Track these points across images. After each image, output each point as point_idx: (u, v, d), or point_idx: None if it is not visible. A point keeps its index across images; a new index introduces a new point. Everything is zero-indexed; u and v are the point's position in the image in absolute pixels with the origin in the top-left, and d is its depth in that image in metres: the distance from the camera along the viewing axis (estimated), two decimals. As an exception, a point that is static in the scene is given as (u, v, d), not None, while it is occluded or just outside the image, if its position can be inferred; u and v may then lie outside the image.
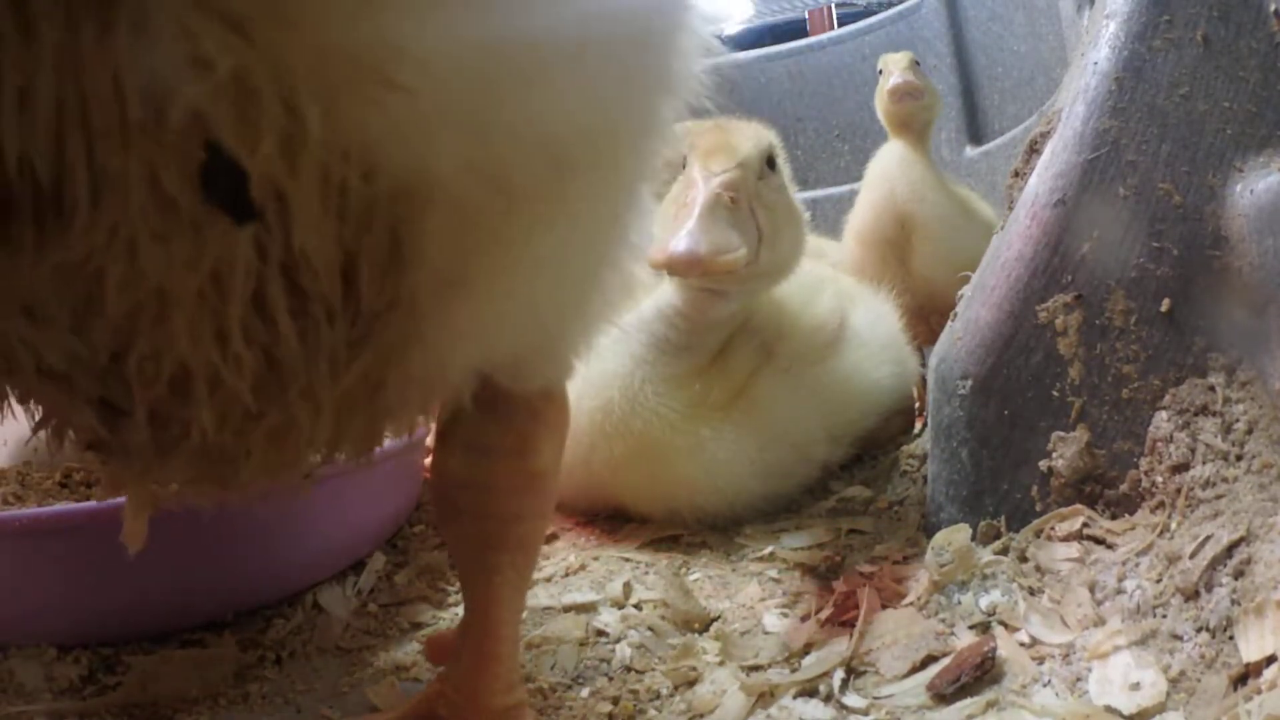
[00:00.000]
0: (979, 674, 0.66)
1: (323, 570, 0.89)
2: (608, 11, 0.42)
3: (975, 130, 2.18)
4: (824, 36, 2.69)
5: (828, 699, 0.68)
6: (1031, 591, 0.75)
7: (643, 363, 1.01)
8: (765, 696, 0.69)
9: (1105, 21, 0.84)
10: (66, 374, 0.38)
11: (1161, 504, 0.75)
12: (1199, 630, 0.63)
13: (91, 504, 0.77)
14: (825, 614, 0.79)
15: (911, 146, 1.51)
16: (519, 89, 0.38)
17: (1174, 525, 0.72)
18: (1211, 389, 0.76)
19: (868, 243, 1.53)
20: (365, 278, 0.39)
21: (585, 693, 0.72)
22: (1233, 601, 0.62)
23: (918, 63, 1.56)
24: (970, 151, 2.14)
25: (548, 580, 0.94)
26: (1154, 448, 0.77)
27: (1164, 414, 0.77)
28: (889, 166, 1.51)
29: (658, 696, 0.71)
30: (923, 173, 1.49)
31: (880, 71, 1.58)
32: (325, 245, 0.37)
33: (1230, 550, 0.65)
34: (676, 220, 0.91)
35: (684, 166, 0.99)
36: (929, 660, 0.70)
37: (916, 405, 1.37)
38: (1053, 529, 0.80)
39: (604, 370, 1.01)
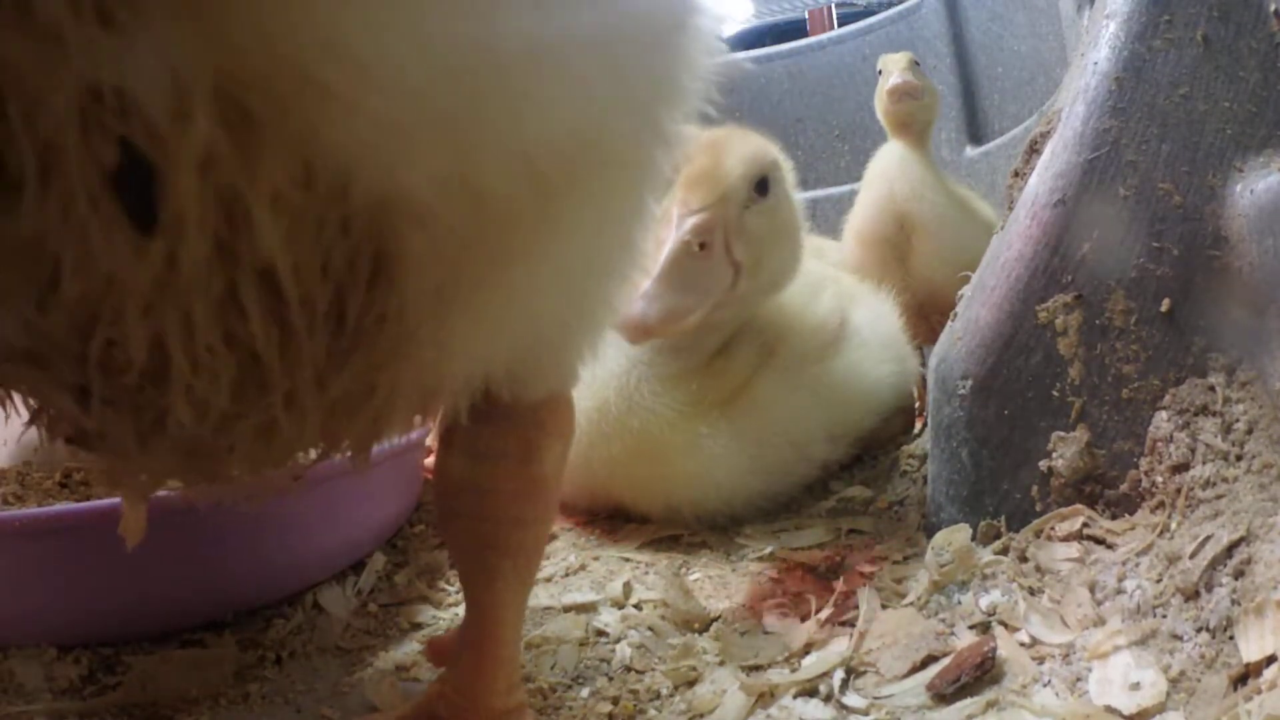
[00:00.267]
0: (979, 674, 0.66)
1: (322, 570, 0.89)
2: (601, 11, 0.41)
3: (975, 130, 2.17)
4: (824, 36, 2.69)
5: (828, 699, 0.68)
6: (1031, 591, 0.75)
7: (639, 362, 1.01)
8: (765, 696, 0.69)
9: (1105, 21, 0.84)
10: (42, 357, 0.38)
11: (1161, 504, 0.75)
12: (1199, 630, 0.63)
13: (91, 504, 0.77)
14: (825, 614, 0.79)
15: (911, 147, 1.51)
16: (501, 98, 0.37)
17: (1174, 525, 0.72)
18: (1211, 389, 0.76)
19: (867, 242, 1.53)
20: (350, 292, 0.38)
21: (585, 693, 0.72)
22: (1233, 601, 0.62)
23: (917, 63, 1.56)
24: (970, 151, 2.14)
25: (548, 580, 0.94)
26: (1154, 448, 0.77)
27: (1164, 414, 0.77)
28: (888, 166, 1.51)
29: (658, 696, 0.71)
30: (922, 173, 1.49)
31: (880, 72, 1.58)
32: (300, 256, 0.36)
33: (1230, 550, 0.65)
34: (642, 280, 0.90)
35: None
36: (929, 660, 0.70)
37: (916, 405, 1.37)
38: (1053, 529, 0.80)
39: (601, 370, 1.01)
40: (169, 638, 0.80)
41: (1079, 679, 0.64)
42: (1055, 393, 0.81)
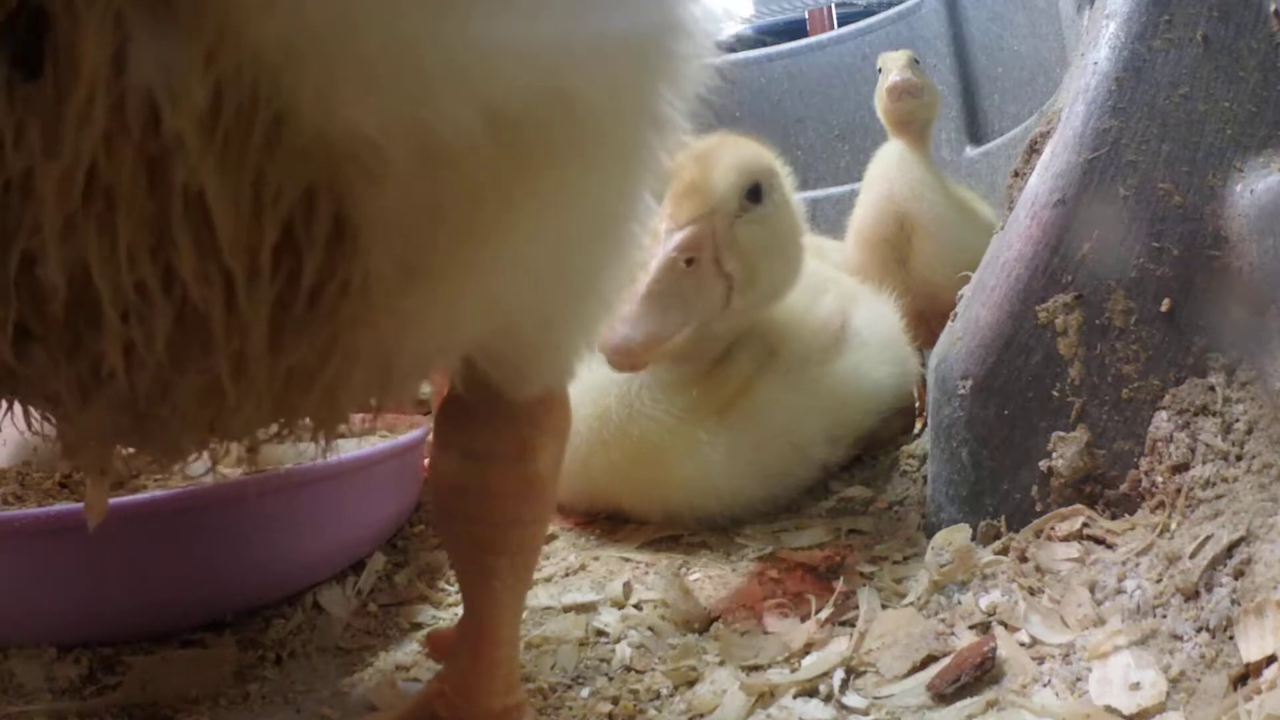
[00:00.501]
0: (979, 674, 0.66)
1: (322, 570, 0.89)
2: None
3: (975, 130, 2.17)
4: (824, 36, 2.69)
5: (828, 699, 0.68)
6: (1031, 591, 0.75)
7: None
8: (765, 696, 0.69)
9: (1105, 21, 0.84)
10: None
11: (1161, 504, 0.75)
12: (1199, 630, 0.63)
13: (91, 504, 0.76)
14: (825, 614, 0.79)
15: (911, 146, 1.51)
16: (460, 27, 0.33)
17: (1174, 525, 0.72)
18: (1211, 389, 0.76)
19: (868, 243, 1.53)
20: (305, 251, 0.36)
21: (585, 693, 0.72)
22: (1233, 601, 0.62)
23: (917, 61, 1.56)
24: (970, 151, 2.14)
25: (548, 580, 0.94)
26: (1154, 448, 0.77)
27: (1164, 414, 0.77)
28: (888, 167, 1.51)
29: (658, 696, 0.71)
30: (921, 173, 1.49)
31: (880, 70, 1.57)
32: (236, 190, 0.33)
33: (1230, 550, 0.65)
34: (634, 289, 0.89)
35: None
36: (929, 660, 0.70)
37: (916, 405, 1.37)
38: (1053, 529, 0.80)
39: (601, 377, 1.01)
40: (169, 638, 0.80)
41: (1079, 679, 0.64)
42: (1055, 393, 0.81)
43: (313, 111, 0.33)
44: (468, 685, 0.60)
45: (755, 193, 0.98)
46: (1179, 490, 0.74)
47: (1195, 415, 0.76)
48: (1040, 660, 0.67)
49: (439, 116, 0.34)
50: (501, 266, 0.44)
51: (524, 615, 0.85)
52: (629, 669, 0.75)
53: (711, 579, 0.92)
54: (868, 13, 2.84)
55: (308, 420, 0.47)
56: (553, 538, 1.06)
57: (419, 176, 0.36)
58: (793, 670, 0.73)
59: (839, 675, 0.70)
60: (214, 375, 0.38)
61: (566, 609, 0.86)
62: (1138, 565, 0.71)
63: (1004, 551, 0.80)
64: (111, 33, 0.30)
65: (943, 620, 0.75)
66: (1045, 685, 0.65)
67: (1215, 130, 0.79)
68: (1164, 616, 0.66)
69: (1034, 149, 0.89)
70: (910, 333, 1.32)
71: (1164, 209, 0.79)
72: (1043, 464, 0.81)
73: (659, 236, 0.92)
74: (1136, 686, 0.61)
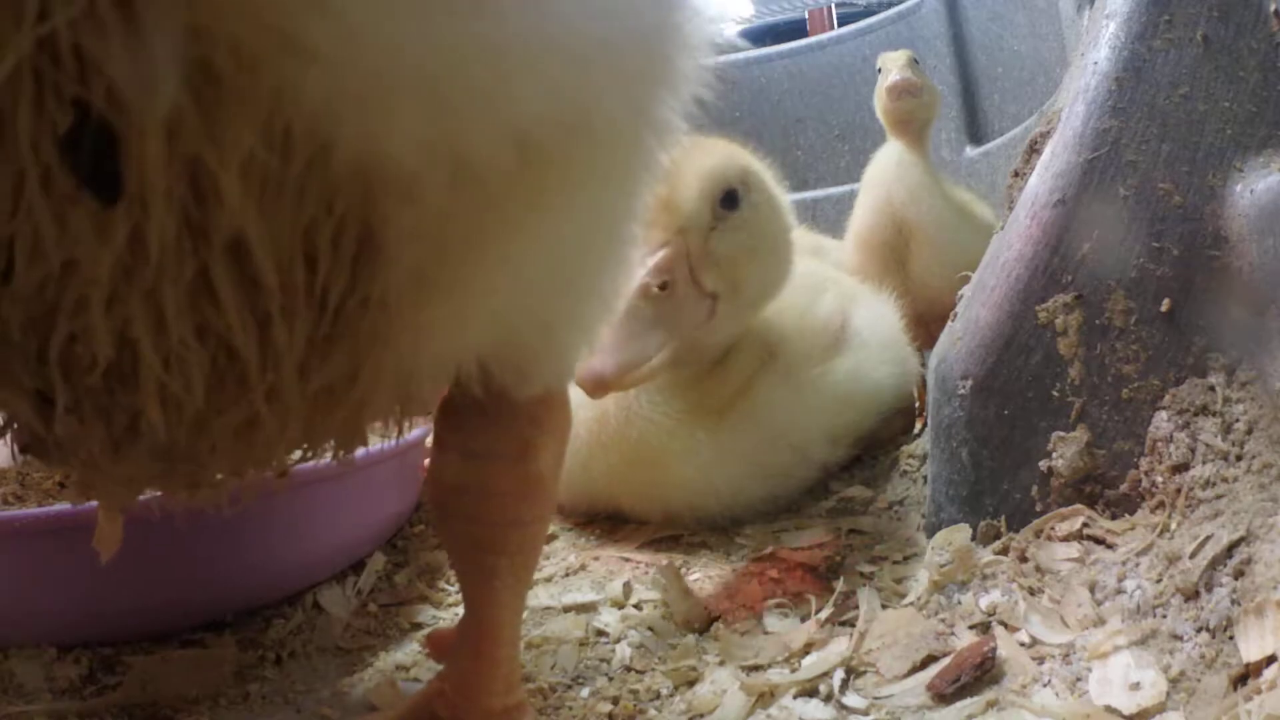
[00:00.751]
0: (979, 674, 0.66)
1: (323, 570, 0.89)
2: None
3: (975, 130, 2.17)
4: (824, 36, 2.70)
5: (828, 699, 0.68)
6: (1031, 591, 0.75)
7: None
8: (765, 696, 0.69)
9: (1105, 21, 0.84)
10: None
11: (1161, 504, 0.75)
12: (1199, 630, 0.63)
13: (92, 504, 0.77)
14: (825, 614, 0.79)
15: (910, 147, 1.51)
16: (491, 64, 0.35)
17: (1174, 525, 0.72)
18: (1211, 389, 0.76)
19: (867, 247, 1.53)
20: (331, 273, 0.36)
21: (585, 693, 0.72)
22: (1233, 601, 0.62)
23: (916, 60, 1.56)
24: (970, 151, 2.14)
25: (548, 580, 0.94)
26: (1154, 448, 0.77)
27: (1164, 414, 0.77)
28: (886, 170, 1.50)
29: (658, 696, 0.71)
30: (919, 177, 1.49)
31: (880, 70, 1.57)
32: (276, 230, 0.34)
33: (1230, 550, 0.65)
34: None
35: None
36: (929, 660, 0.70)
37: (916, 405, 1.37)
38: (1053, 529, 0.80)
39: None
40: (169, 638, 0.80)
41: (1079, 679, 0.64)
42: (1055, 393, 0.81)
43: (352, 148, 0.34)
44: (468, 685, 0.60)
45: (730, 199, 0.95)
46: (1179, 490, 0.74)
47: (1195, 415, 0.76)
48: (1040, 660, 0.67)
49: (472, 144, 0.36)
50: (511, 274, 0.45)
51: (524, 615, 0.85)
52: (629, 669, 0.75)
53: (711, 579, 0.92)
54: (868, 13, 2.84)
55: (331, 441, 0.47)
56: (553, 538, 1.06)
57: (445, 196, 0.37)
58: (793, 670, 0.73)
59: (839, 675, 0.70)
60: (251, 411, 0.39)
61: (566, 609, 0.86)
62: (1138, 565, 0.71)
63: (1004, 551, 0.80)
64: (179, 145, 0.30)
65: (943, 620, 0.75)
66: (1045, 685, 0.65)
67: (1215, 130, 0.79)
68: (1164, 616, 0.66)
69: (1034, 149, 0.89)
70: (910, 334, 1.32)
71: (1164, 209, 0.79)
72: (1043, 464, 0.81)
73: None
74: (1136, 686, 0.61)
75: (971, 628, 0.73)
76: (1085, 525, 0.78)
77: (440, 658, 0.73)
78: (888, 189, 1.49)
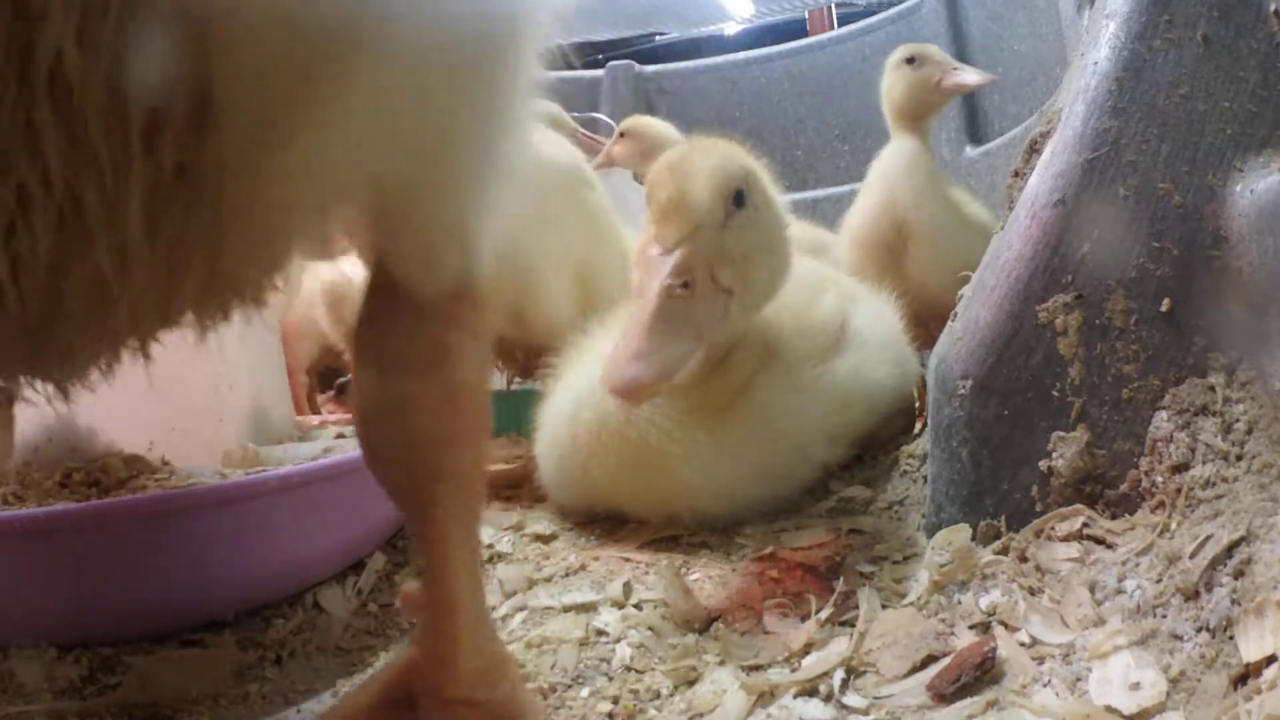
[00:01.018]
0: (979, 674, 0.66)
1: (323, 571, 0.89)
2: None
3: (975, 130, 2.18)
4: (824, 36, 2.70)
5: (828, 699, 0.68)
6: (1031, 591, 0.75)
7: None
8: (765, 696, 0.69)
9: (1105, 21, 0.84)
10: None
11: (1161, 504, 0.75)
12: (1199, 630, 0.63)
13: (91, 504, 0.77)
14: (825, 614, 0.79)
15: (919, 144, 1.50)
16: None
17: (1174, 525, 0.72)
18: (1211, 389, 0.76)
19: (864, 245, 1.53)
20: (163, 123, 0.36)
21: (585, 692, 0.72)
22: (1233, 601, 0.62)
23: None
24: (970, 151, 2.14)
25: (548, 580, 0.94)
26: (1154, 448, 0.77)
27: (1164, 414, 0.77)
28: (894, 170, 1.50)
29: (658, 696, 0.71)
30: (924, 179, 1.49)
31: (912, 61, 1.54)
32: (94, 67, 0.34)
33: (1230, 550, 0.65)
34: (628, 325, 0.87)
35: (645, 203, 0.96)
36: (929, 660, 0.70)
37: (916, 405, 1.37)
38: (1053, 529, 0.80)
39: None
40: (169, 638, 0.80)
41: (1079, 679, 0.64)
42: (1055, 393, 0.81)
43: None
44: (437, 648, 0.56)
45: (739, 197, 0.96)
46: (1179, 490, 0.74)
47: (1195, 415, 0.76)
48: (1040, 660, 0.67)
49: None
50: (355, 125, 0.43)
51: (524, 615, 0.86)
52: (629, 669, 0.75)
53: (711, 579, 0.92)
54: (868, 13, 2.84)
55: (190, 312, 0.45)
56: (553, 537, 1.06)
57: (279, 48, 0.36)
58: (793, 670, 0.73)
59: (839, 675, 0.70)
60: (99, 271, 0.38)
61: (566, 609, 0.86)
62: (1138, 565, 0.71)
63: (1004, 551, 0.80)
64: None
65: (943, 620, 0.75)
66: (1045, 685, 0.65)
67: (1215, 130, 0.79)
68: (1164, 616, 0.66)
69: (1034, 149, 0.90)
70: (910, 332, 1.32)
71: (1164, 209, 0.79)
72: (1043, 464, 0.81)
73: (645, 260, 0.90)
74: (1136, 686, 0.61)
75: (971, 628, 0.73)
76: (1085, 525, 0.78)
77: (414, 617, 0.68)
78: (892, 190, 1.49)
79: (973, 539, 0.83)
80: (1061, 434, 0.81)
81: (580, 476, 1.03)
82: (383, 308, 0.53)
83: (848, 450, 1.17)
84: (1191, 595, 0.65)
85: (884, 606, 0.79)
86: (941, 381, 0.88)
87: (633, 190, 2.13)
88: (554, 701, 0.71)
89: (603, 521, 1.10)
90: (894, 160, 1.51)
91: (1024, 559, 0.78)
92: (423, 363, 0.53)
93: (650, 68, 2.85)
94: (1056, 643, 0.68)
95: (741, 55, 2.77)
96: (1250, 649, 0.58)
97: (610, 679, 0.74)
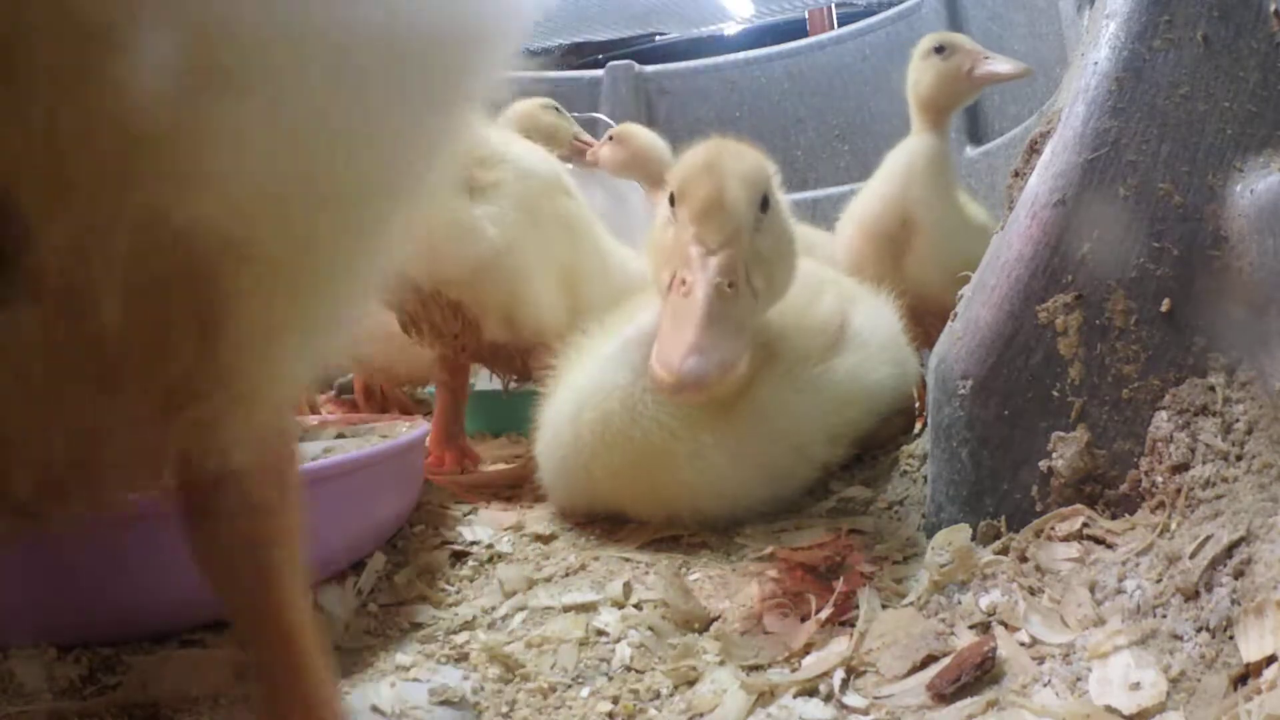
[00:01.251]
0: (979, 674, 0.66)
1: (322, 570, 0.89)
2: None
3: (975, 130, 2.18)
4: (824, 36, 2.70)
5: (828, 699, 0.68)
6: (1031, 591, 0.75)
7: (644, 373, 1.00)
8: (765, 696, 0.69)
9: (1105, 21, 0.84)
10: None
11: (1161, 504, 0.75)
12: (1199, 630, 0.63)
13: (91, 504, 0.76)
14: (825, 614, 0.79)
15: (941, 142, 1.50)
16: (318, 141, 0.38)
17: (1174, 525, 0.72)
18: (1211, 389, 0.76)
19: (869, 235, 1.53)
20: (180, 344, 0.38)
21: (585, 692, 0.72)
22: (1233, 601, 0.62)
23: None
24: (970, 151, 2.14)
25: (548, 580, 0.94)
26: (1154, 448, 0.77)
27: (1164, 414, 0.77)
28: (914, 164, 1.49)
29: (658, 696, 0.71)
30: (941, 178, 1.49)
31: (942, 50, 1.51)
32: (136, 321, 0.36)
33: (1230, 550, 0.65)
34: (676, 321, 0.87)
35: (670, 203, 0.97)
36: (929, 660, 0.70)
37: (916, 405, 1.37)
38: (1053, 529, 0.80)
39: (604, 381, 1.01)
40: (169, 638, 0.80)
41: (1079, 679, 0.64)
42: (1055, 393, 0.81)
43: (215, 231, 0.36)
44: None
45: (765, 202, 0.99)
46: (1179, 490, 0.74)
47: (1195, 415, 0.76)
48: (1040, 660, 0.67)
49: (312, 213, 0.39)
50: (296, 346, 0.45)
51: (524, 615, 0.86)
52: (629, 669, 0.75)
53: (711, 579, 0.92)
54: (868, 13, 2.84)
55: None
56: (553, 538, 1.06)
57: (274, 249, 0.39)
58: (793, 670, 0.73)
59: (839, 675, 0.70)
60: (101, 473, 0.41)
61: (566, 609, 0.86)
62: (1138, 565, 0.71)
63: (1004, 551, 0.80)
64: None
65: (943, 620, 0.75)
66: (1045, 685, 0.65)
67: (1215, 130, 0.79)
68: (1164, 616, 0.66)
69: (1034, 149, 0.90)
70: (908, 331, 1.32)
71: (1164, 209, 0.79)
72: (1043, 464, 0.81)
73: (690, 260, 0.91)
74: (1136, 686, 0.61)
75: (971, 628, 0.73)
76: (1085, 525, 0.78)
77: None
78: (909, 184, 1.48)
79: (973, 539, 0.83)
80: (1061, 434, 0.81)
81: (582, 476, 1.03)
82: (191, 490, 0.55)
83: (848, 450, 1.17)
84: (1191, 595, 0.65)
85: (884, 606, 0.79)
86: (941, 381, 0.88)
87: (633, 190, 2.14)
88: (554, 701, 0.71)
89: (603, 521, 1.10)
90: (915, 155, 1.50)
91: (1024, 559, 0.78)
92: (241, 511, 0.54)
93: (650, 68, 2.86)
94: (1056, 643, 0.68)
95: (741, 55, 2.77)
96: (1250, 649, 0.58)
97: (610, 679, 0.74)
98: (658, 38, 4.09)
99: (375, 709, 0.72)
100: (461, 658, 0.79)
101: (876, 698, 0.67)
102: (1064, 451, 0.81)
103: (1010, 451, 0.83)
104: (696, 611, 0.84)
